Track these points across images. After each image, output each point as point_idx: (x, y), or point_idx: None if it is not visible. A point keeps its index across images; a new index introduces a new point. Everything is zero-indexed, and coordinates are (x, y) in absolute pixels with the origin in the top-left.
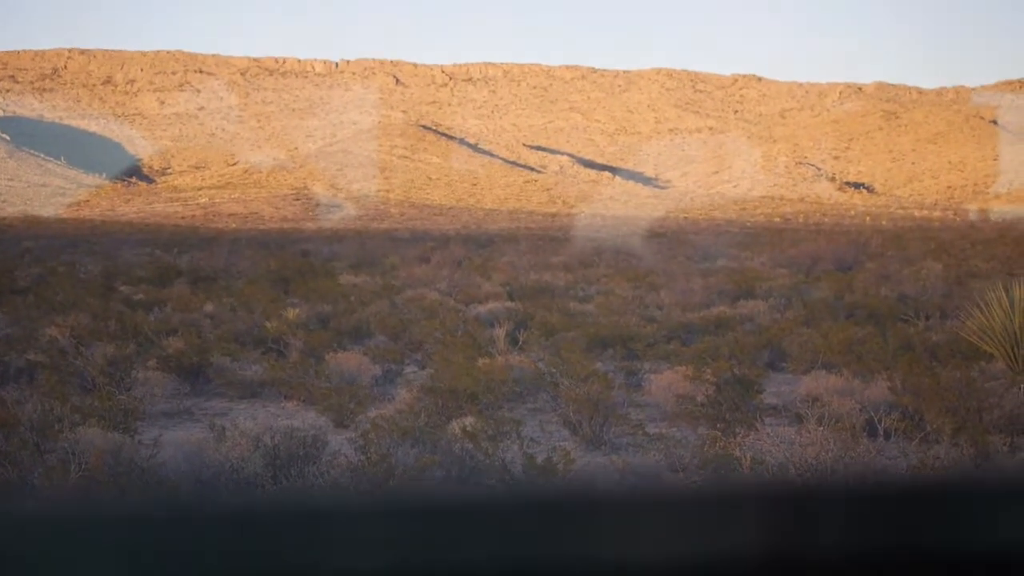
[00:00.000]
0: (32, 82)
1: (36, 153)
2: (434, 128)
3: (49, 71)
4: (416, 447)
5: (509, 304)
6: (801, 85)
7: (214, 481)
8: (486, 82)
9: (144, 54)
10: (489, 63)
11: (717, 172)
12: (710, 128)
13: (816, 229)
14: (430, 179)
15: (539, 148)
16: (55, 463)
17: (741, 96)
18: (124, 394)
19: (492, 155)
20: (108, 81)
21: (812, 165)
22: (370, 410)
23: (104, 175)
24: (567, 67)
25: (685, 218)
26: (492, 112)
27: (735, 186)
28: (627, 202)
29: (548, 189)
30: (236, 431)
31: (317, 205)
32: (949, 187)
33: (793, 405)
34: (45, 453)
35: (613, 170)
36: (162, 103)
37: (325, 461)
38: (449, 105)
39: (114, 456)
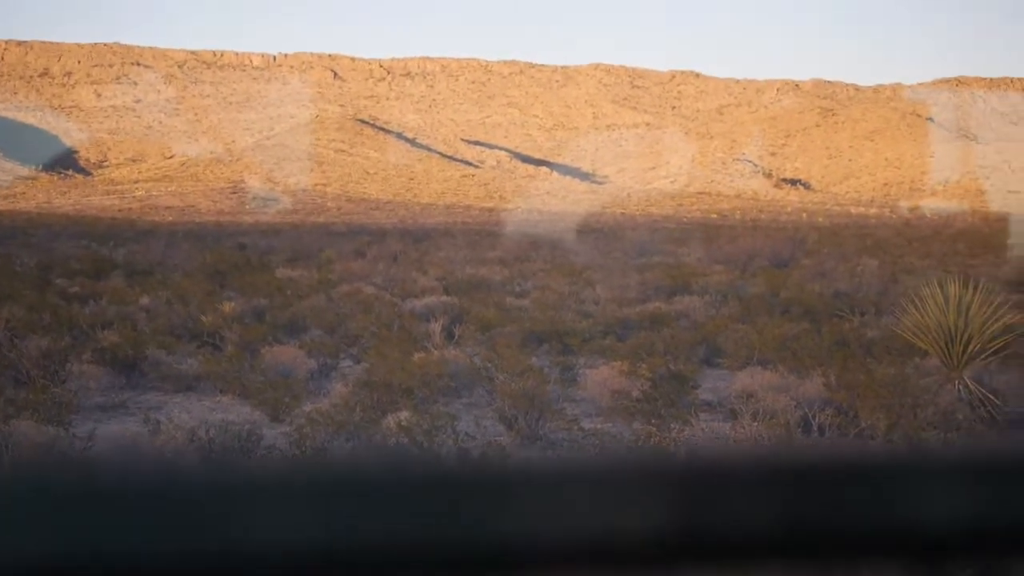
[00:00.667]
0: None
1: None
2: (372, 122)
3: None
4: (351, 441)
5: (445, 299)
6: (739, 82)
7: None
8: (424, 76)
9: (81, 46)
10: (427, 58)
11: (654, 168)
12: (647, 124)
13: (752, 225)
14: (367, 173)
15: (477, 143)
16: None
17: (679, 92)
18: (58, 387)
19: (430, 150)
20: (45, 73)
21: (749, 161)
22: (305, 404)
23: (40, 167)
24: (505, 62)
25: (622, 214)
26: (430, 107)
27: (672, 182)
28: (564, 197)
29: (485, 184)
30: (171, 425)
31: (254, 198)
32: (885, 184)
33: (728, 401)
34: None
35: (550, 165)
36: (99, 95)
37: (260, 455)
38: (387, 99)
39: (47, 449)
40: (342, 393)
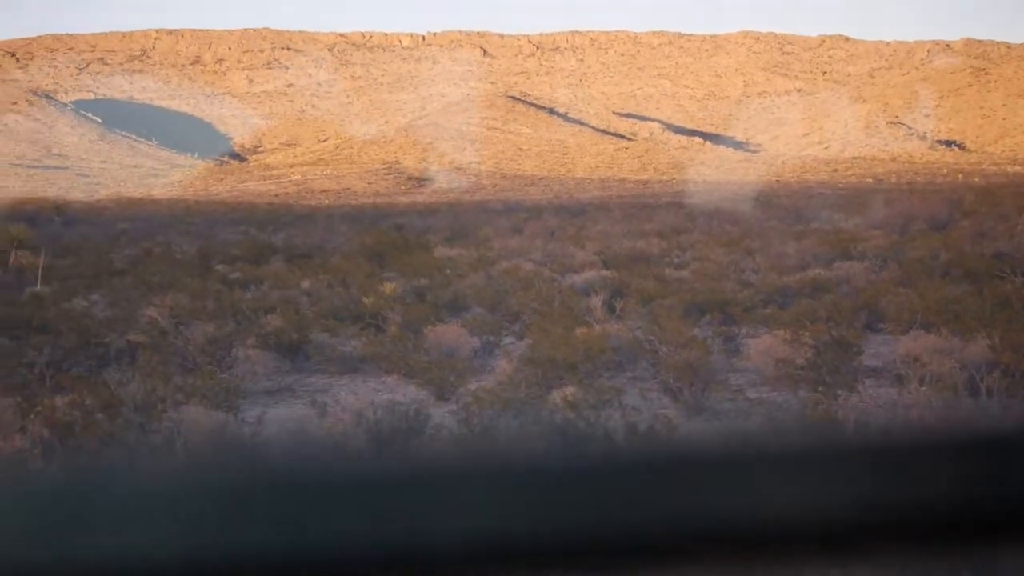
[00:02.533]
0: (121, 64)
1: (127, 135)
2: (523, 99)
3: (138, 52)
4: (518, 418)
5: (604, 273)
6: (889, 44)
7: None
8: (573, 51)
9: (231, 32)
10: (576, 31)
11: (807, 134)
12: (799, 90)
13: (908, 188)
14: (521, 150)
15: (628, 115)
16: (160, 442)
17: (829, 57)
18: (225, 373)
19: (582, 124)
20: (197, 61)
21: (902, 124)
22: (470, 382)
23: (196, 155)
24: (654, 33)
25: (777, 181)
26: (580, 81)
27: (826, 148)
28: (718, 167)
29: (639, 156)
30: (338, 407)
31: (409, 179)
32: None
33: (893, 366)
34: (149, 433)
35: (703, 135)
36: (251, 81)
37: (428, 434)
38: (537, 75)
39: (218, 434)
40: (506, 370)
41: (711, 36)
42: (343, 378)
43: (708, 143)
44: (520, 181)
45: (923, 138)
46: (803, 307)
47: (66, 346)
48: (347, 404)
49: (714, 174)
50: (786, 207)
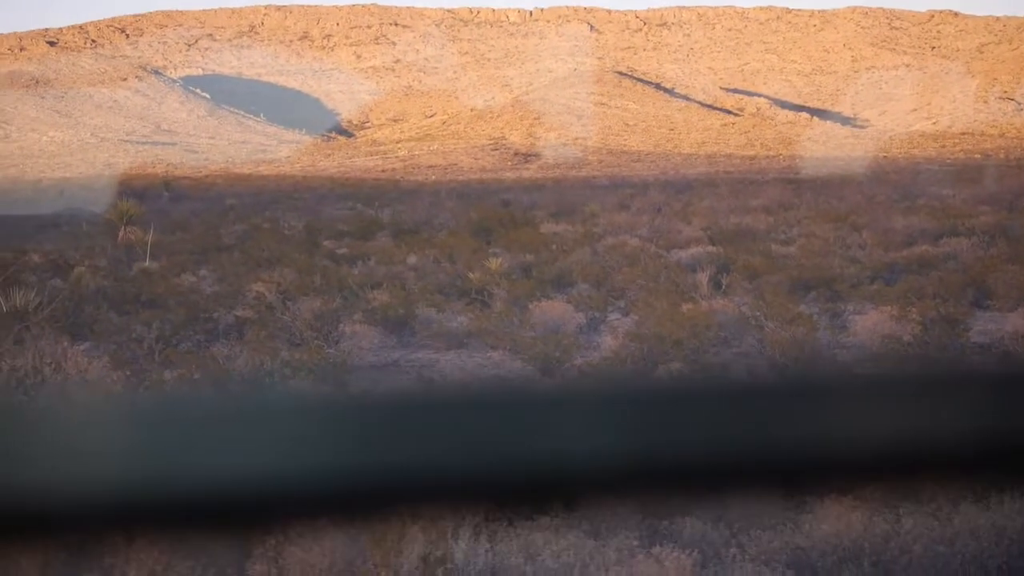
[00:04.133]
0: (230, 39)
1: (235, 110)
2: (630, 74)
3: (246, 28)
4: None
5: (710, 248)
6: (999, 19)
7: None
8: (680, 26)
9: (339, 8)
10: (683, 7)
11: (916, 110)
12: (907, 65)
13: (1018, 164)
14: (627, 125)
15: (735, 91)
16: None
17: (938, 32)
18: (332, 347)
19: (688, 99)
20: (305, 36)
21: (1012, 99)
22: (576, 358)
23: (303, 130)
24: (761, 8)
25: (884, 157)
26: (687, 56)
27: (934, 123)
28: (825, 142)
29: (746, 132)
30: (445, 382)
31: (515, 154)
32: None
33: (1001, 343)
34: None
35: (810, 111)
36: (358, 57)
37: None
38: (644, 50)
39: None
40: (612, 346)
41: (819, 11)
42: (449, 353)
43: (815, 118)
44: (627, 157)
45: None
46: (910, 283)
47: (175, 321)
48: (453, 379)
49: (821, 149)
50: (893, 182)
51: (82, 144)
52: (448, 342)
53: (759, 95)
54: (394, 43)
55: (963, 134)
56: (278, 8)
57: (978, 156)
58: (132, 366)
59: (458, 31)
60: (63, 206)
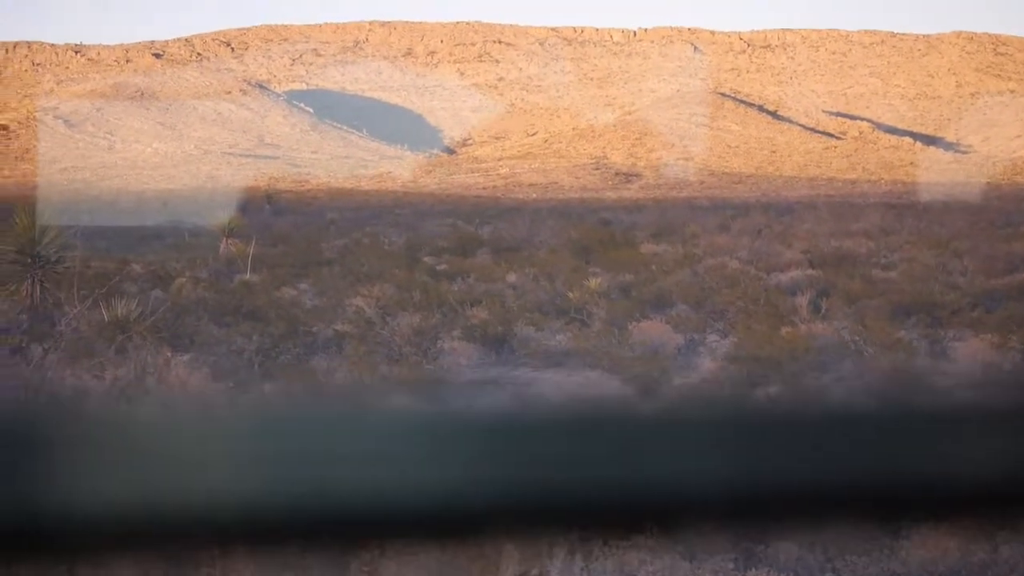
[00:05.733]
0: (334, 55)
1: (338, 125)
2: (733, 95)
3: (351, 44)
4: None
5: (810, 272)
6: None
7: None
8: (784, 48)
9: (443, 25)
10: (787, 29)
11: (1020, 136)
12: (1012, 91)
13: None
14: (729, 147)
15: (838, 114)
16: None
17: None
18: (431, 364)
19: (791, 122)
20: (409, 53)
21: None
22: (674, 379)
23: (405, 146)
24: (865, 32)
25: (987, 183)
26: (790, 78)
27: None
28: (928, 168)
29: (848, 156)
30: (543, 400)
31: (616, 174)
32: None
33: None
34: None
35: (913, 135)
36: (462, 74)
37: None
38: (747, 72)
39: None
40: (711, 368)
41: (924, 36)
42: (547, 371)
43: (918, 143)
44: (728, 178)
45: None
46: (1012, 310)
47: (274, 334)
48: (552, 398)
49: (924, 175)
50: (996, 209)
51: (186, 156)
52: (546, 360)
53: (862, 119)
54: (498, 61)
55: None
56: (382, 24)
57: None
58: (232, 377)
59: (561, 50)
60: (166, 218)
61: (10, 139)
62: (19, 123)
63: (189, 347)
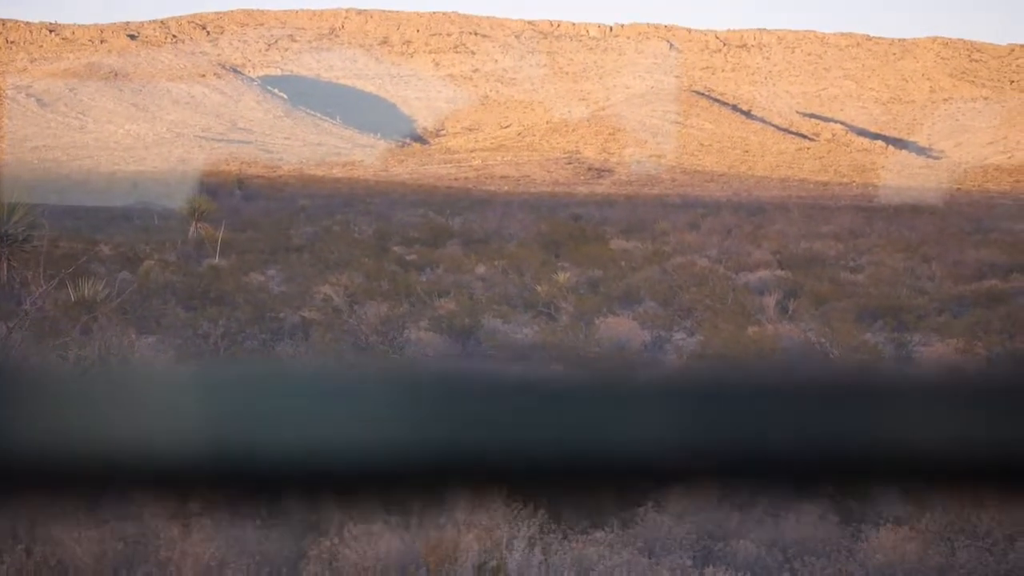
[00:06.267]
0: (310, 41)
1: (312, 112)
2: (707, 94)
3: (326, 30)
4: None
5: (779, 272)
6: None
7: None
8: (760, 48)
9: (420, 15)
10: (763, 29)
11: (992, 143)
12: (985, 98)
13: None
14: (702, 145)
15: (812, 116)
16: None
17: (1018, 66)
18: (397, 353)
19: (765, 122)
20: (384, 41)
21: None
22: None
23: (379, 135)
24: (841, 34)
25: (958, 189)
26: (765, 79)
27: (1010, 157)
28: (899, 172)
29: (820, 157)
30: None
31: (589, 169)
32: None
33: None
34: None
35: (885, 139)
36: (437, 64)
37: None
38: (722, 71)
39: None
40: (676, 365)
41: (899, 40)
42: (512, 365)
43: (891, 147)
44: (701, 176)
45: None
46: (978, 317)
47: (241, 318)
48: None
49: (895, 179)
50: (966, 215)
51: (158, 138)
52: (513, 353)
53: (836, 121)
54: (473, 52)
55: None
56: (359, 12)
57: None
58: (197, 361)
59: (538, 43)
60: (136, 199)
61: None
62: None
63: (155, 329)
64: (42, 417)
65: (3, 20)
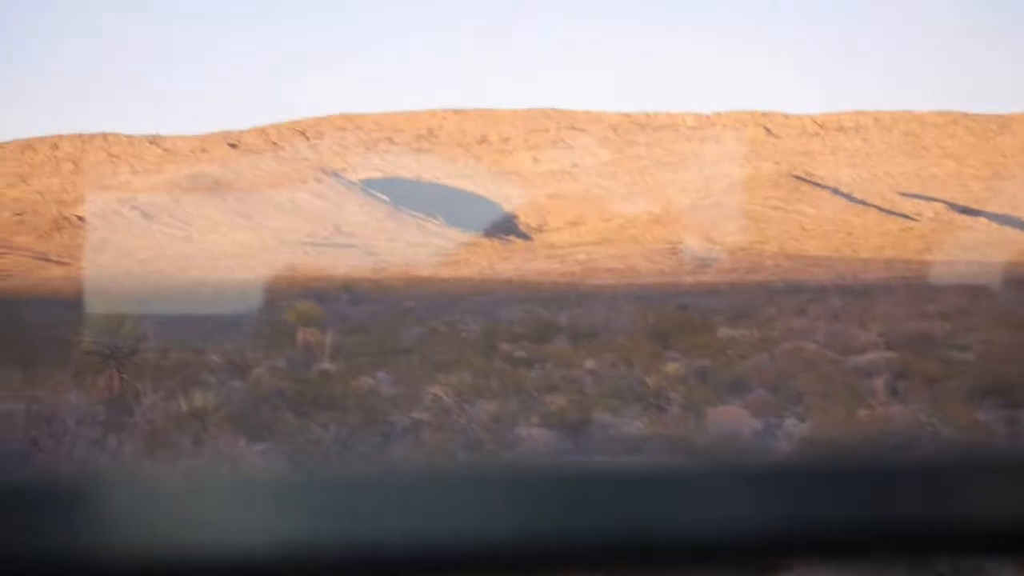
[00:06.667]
0: (408, 143)
1: (414, 213)
2: (806, 178)
3: (424, 132)
4: None
5: (887, 354)
6: None
7: None
8: (857, 130)
9: (517, 112)
10: (860, 111)
11: None
12: None
13: None
14: (804, 230)
15: (913, 195)
16: None
17: None
18: (508, 451)
19: (866, 204)
20: (483, 140)
21: None
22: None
23: (481, 233)
24: (938, 112)
25: None
26: (864, 160)
27: None
28: (1005, 248)
29: (923, 237)
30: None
31: (692, 258)
32: None
33: None
34: None
35: (987, 215)
36: (536, 160)
37: None
38: (821, 154)
39: None
40: (787, 452)
41: (996, 115)
42: (625, 458)
43: (993, 224)
44: (804, 261)
45: None
46: None
47: (352, 423)
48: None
49: (999, 256)
50: None
51: (263, 246)
52: (625, 446)
53: (937, 200)
54: (571, 147)
55: None
56: (456, 112)
57: None
58: (308, 467)
59: (635, 135)
60: (243, 307)
61: (87, 231)
62: (96, 214)
63: (266, 437)
64: (150, 529)
65: (105, 134)
